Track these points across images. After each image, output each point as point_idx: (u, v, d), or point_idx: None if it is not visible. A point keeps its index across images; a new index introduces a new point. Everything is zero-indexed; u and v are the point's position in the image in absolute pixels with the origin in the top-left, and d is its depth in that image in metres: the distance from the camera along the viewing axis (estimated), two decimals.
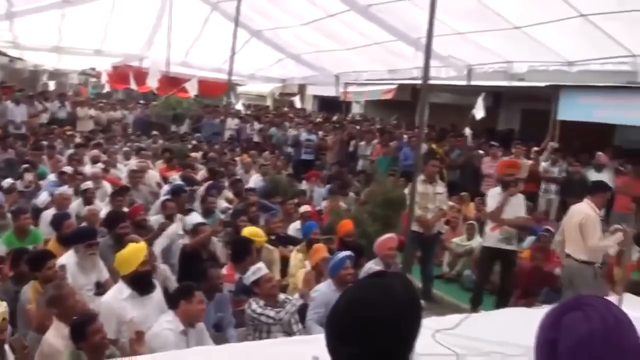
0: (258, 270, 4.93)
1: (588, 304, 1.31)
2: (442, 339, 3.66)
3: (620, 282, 4.69)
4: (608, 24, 7.10)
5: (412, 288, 1.52)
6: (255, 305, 4.76)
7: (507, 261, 7.06)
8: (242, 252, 5.84)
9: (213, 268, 5.33)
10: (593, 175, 10.53)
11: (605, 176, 10.38)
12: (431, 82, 8.72)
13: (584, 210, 6.07)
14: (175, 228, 6.88)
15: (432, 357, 3.28)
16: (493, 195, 7.08)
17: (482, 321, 4.34)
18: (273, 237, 7.14)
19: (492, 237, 6.98)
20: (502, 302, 6.88)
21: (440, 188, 7.78)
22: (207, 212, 7.93)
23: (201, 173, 10.67)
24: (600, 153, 10.82)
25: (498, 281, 7.34)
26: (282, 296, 5.02)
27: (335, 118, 18.83)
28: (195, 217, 7.33)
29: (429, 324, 3.88)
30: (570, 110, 12.34)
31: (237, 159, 12.42)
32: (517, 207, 6.97)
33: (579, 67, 8.56)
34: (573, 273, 6.04)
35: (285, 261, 6.74)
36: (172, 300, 4.45)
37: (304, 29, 12.20)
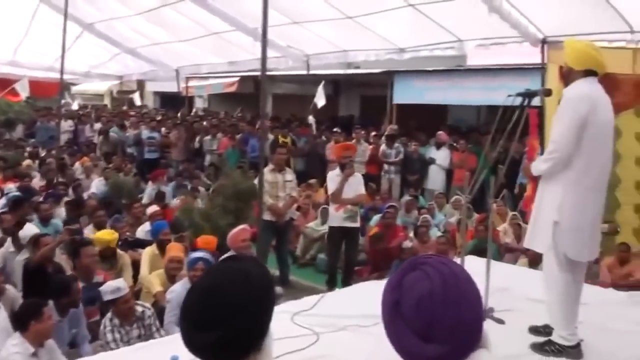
0: (118, 290, 4.74)
1: (427, 263, 1.37)
2: (300, 320, 3.75)
3: (461, 247, 5.08)
4: (435, 12, 7.53)
5: (264, 270, 1.52)
6: (110, 337, 4.62)
7: (351, 238, 7.36)
8: (76, 255, 5.81)
9: (74, 282, 5.04)
10: (433, 153, 11.33)
11: (443, 153, 11.19)
12: (271, 72, 8.79)
13: None
14: (7, 245, 6.43)
15: (293, 340, 3.34)
16: (332, 178, 7.32)
17: (337, 299, 4.51)
18: (120, 242, 6.89)
19: (336, 217, 7.23)
20: (346, 276, 7.22)
21: (290, 175, 7.90)
22: (44, 220, 7.52)
23: (37, 182, 9.97)
24: (440, 132, 11.61)
25: None
26: (139, 309, 4.86)
27: (179, 114, 18.39)
28: (30, 229, 6.76)
29: (287, 308, 3.96)
30: (404, 94, 13.12)
31: (77, 163, 11.76)
32: (356, 185, 7.27)
33: (410, 53, 9.02)
34: None
35: (136, 265, 6.51)
36: (20, 321, 4.11)
37: (138, 20, 11.69)
